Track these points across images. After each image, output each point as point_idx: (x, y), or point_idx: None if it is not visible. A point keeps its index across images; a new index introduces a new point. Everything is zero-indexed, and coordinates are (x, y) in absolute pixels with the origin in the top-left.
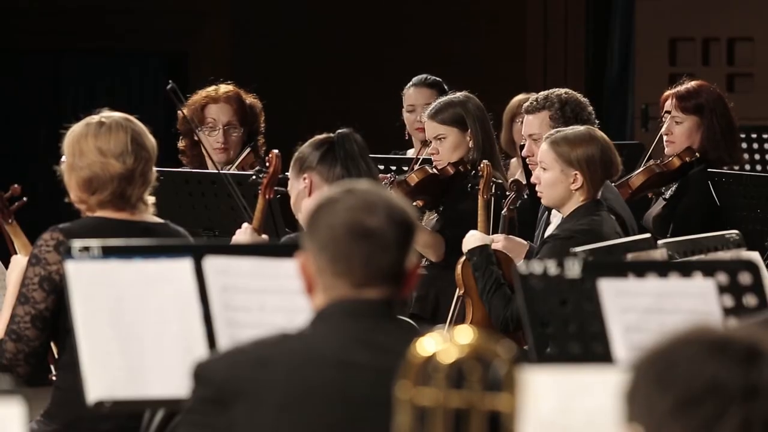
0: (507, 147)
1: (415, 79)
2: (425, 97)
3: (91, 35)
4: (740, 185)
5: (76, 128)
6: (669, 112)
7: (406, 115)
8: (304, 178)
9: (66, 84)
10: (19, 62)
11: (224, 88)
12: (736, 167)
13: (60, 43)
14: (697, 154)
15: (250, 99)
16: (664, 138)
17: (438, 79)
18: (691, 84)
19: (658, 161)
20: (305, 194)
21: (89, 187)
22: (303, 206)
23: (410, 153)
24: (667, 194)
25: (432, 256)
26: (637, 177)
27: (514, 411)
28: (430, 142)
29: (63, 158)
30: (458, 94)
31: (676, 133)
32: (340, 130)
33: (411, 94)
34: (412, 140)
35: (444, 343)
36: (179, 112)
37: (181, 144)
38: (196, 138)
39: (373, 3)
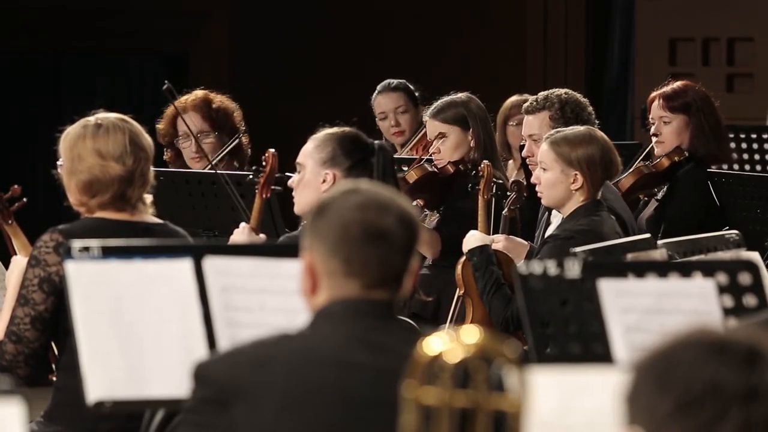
0: (501, 149)
1: (379, 87)
2: (394, 102)
3: (91, 35)
4: (740, 185)
5: (72, 131)
6: (660, 118)
7: (380, 124)
8: (326, 173)
9: (66, 84)
10: (19, 62)
11: (192, 96)
12: (726, 165)
13: (60, 43)
14: (686, 153)
15: (219, 102)
16: (653, 139)
17: (402, 81)
18: (677, 84)
19: (647, 162)
20: (320, 187)
21: (90, 190)
22: (311, 196)
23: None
24: (660, 195)
25: (428, 253)
26: (626, 179)
27: (519, 411)
28: (432, 140)
29: (60, 161)
30: (460, 94)
31: (665, 132)
32: (377, 142)
33: (379, 101)
34: (393, 147)
35: (450, 343)
36: (156, 126)
37: (166, 156)
38: (177, 147)
39: (373, 3)
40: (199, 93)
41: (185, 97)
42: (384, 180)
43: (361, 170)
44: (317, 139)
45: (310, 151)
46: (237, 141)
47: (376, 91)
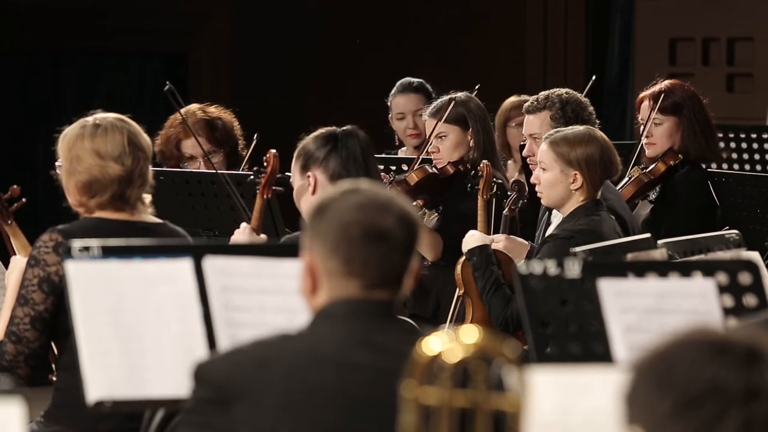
0: (501, 150)
1: (399, 86)
2: (414, 103)
3: (91, 35)
4: (740, 185)
5: (71, 131)
6: (651, 120)
7: (395, 123)
8: (308, 176)
9: (66, 84)
10: (19, 62)
11: (191, 116)
12: (726, 165)
13: (60, 43)
14: (680, 156)
15: (218, 118)
16: (644, 141)
17: (422, 81)
18: (665, 84)
19: (643, 169)
20: (309, 191)
21: (89, 190)
22: (305, 203)
23: (401, 153)
24: (652, 196)
25: (429, 255)
26: (626, 189)
27: (519, 411)
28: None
29: (58, 162)
30: (459, 93)
31: (656, 134)
32: (344, 128)
33: (398, 102)
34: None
35: (449, 343)
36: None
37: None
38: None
39: (373, 3)
40: (197, 112)
41: (180, 119)
42: (349, 165)
43: (336, 158)
44: (295, 154)
45: (293, 168)
46: (238, 153)
47: (396, 90)
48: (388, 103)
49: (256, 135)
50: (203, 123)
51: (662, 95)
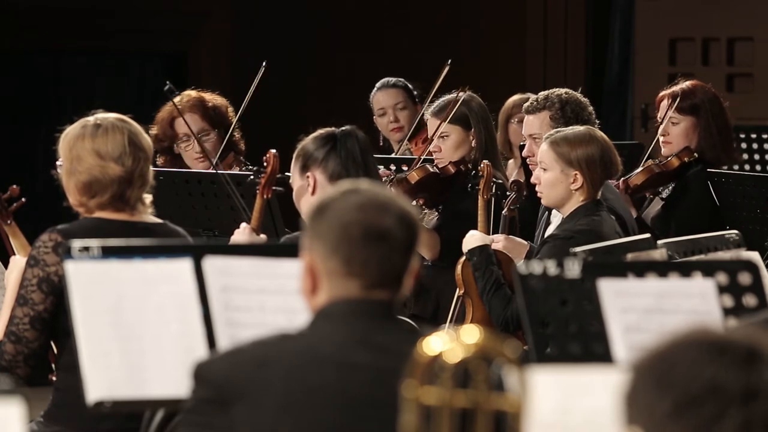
0: (503, 148)
1: (378, 84)
2: (393, 98)
3: (91, 35)
4: (740, 185)
5: (71, 131)
6: (669, 119)
7: (378, 120)
8: (308, 176)
9: (66, 84)
10: (19, 62)
11: (186, 96)
12: (735, 167)
13: (60, 43)
14: (695, 154)
15: (212, 99)
16: (661, 139)
17: (401, 79)
18: (686, 84)
19: (657, 161)
20: (308, 192)
21: (89, 190)
22: (305, 204)
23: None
24: (664, 194)
25: (427, 254)
26: (636, 176)
27: (519, 411)
28: (432, 140)
29: (59, 162)
30: (461, 93)
31: (673, 133)
32: (343, 128)
33: (378, 98)
34: (390, 144)
35: (450, 343)
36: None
37: (159, 161)
38: (176, 151)
39: (373, 3)
40: (192, 93)
41: (177, 99)
42: (348, 165)
43: (336, 158)
44: (295, 154)
45: (292, 168)
46: (232, 135)
47: (375, 88)
48: (370, 104)
49: (264, 63)
50: (196, 101)
51: (681, 95)
